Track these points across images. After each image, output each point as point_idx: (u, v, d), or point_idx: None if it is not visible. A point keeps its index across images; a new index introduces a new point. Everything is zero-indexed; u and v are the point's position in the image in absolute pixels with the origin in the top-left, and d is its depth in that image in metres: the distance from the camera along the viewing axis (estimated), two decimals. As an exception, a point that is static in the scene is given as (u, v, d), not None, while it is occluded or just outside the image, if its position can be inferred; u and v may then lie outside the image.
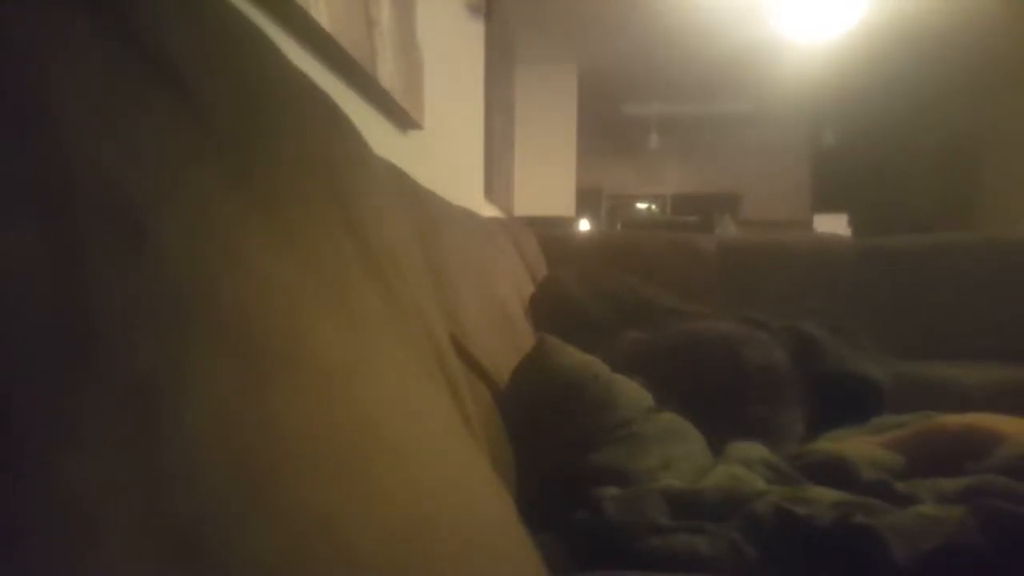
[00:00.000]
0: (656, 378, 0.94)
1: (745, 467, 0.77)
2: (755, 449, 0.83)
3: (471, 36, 2.52)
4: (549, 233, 2.03)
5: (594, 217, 7.61)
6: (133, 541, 0.17)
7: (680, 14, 4.16)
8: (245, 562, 0.20)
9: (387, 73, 1.24)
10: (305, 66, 0.46)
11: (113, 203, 0.22)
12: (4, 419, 0.16)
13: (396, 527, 0.27)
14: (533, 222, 2.20)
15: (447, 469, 0.36)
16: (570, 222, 4.98)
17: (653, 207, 8.63)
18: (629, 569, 0.61)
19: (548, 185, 5.16)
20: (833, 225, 5.20)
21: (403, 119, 1.45)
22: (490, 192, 3.11)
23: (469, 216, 1.26)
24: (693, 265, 1.98)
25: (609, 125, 7.07)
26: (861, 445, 0.89)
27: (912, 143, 6.24)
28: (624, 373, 0.90)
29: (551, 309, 1.43)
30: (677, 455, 0.80)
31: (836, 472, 0.76)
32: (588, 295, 1.47)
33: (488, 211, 2.85)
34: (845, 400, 1.12)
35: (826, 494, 0.67)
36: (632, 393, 0.87)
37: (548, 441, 0.82)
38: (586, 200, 6.87)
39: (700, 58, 4.93)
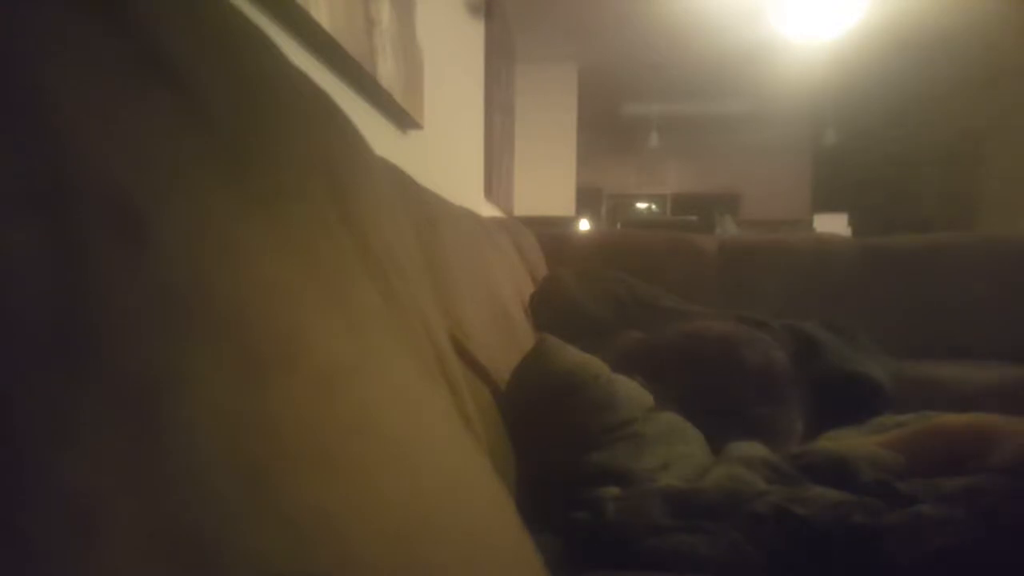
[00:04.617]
0: (656, 378, 0.94)
1: (745, 467, 0.77)
2: (755, 449, 0.83)
3: (471, 36, 2.52)
4: (549, 233, 2.03)
5: (594, 217, 7.61)
6: (132, 541, 0.17)
7: (680, 14, 4.16)
8: (244, 561, 0.20)
9: (387, 73, 1.24)
10: (305, 66, 0.46)
11: (113, 203, 0.22)
12: (4, 419, 0.16)
13: (395, 527, 0.27)
14: (533, 222, 2.20)
15: (447, 469, 0.36)
16: (570, 222, 4.98)
17: (653, 207, 8.64)
18: (629, 569, 0.61)
19: (548, 185, 5.16)
20: (833, 225, 5.20)
21: (403, 119, 1.45)
22: (490, 192, 3.11)
23: (469, 216, 1.26)
24: (693, 265, 1.98)
25: (609, 125, 7.08)
26: (861, 445, 0.89)
27: (912, 143, 6.24)
28: (624, 373, 0.89)
29: (551, 309, 1.43)
30: (677, 455, 0.80)
31: (836, 472, 0.75)
32: (588, 295, 1.47)
33: (488, 211, 2.85)
34: (845, 400, 1.12)
35: (826, 494, 0.67)
36: (632, 393, 0.87)
37: (548, 441, 0.81)
38: (586, 200, 6.88)
39: (700, 58, 4.93)
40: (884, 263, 1.91)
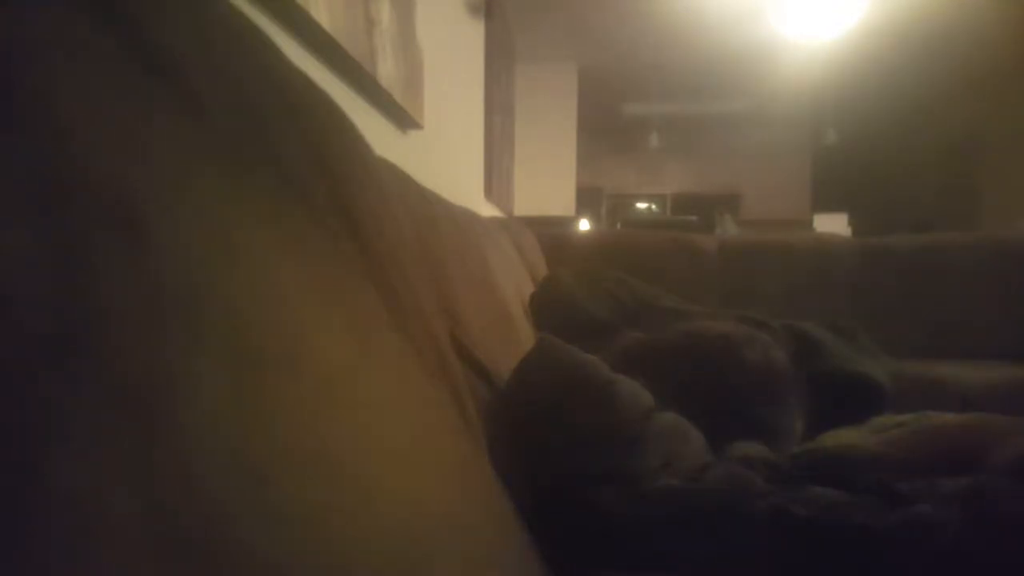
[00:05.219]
0: (656, 378, 0.93)
1: (745, 467, 0.77)
2: (755, 449, 0.83)
3: (471, 36, 2.52)
4: (549, 233, 2.03)
5: (594, 217, 7.61)
6: (131, 541, 0.17)
7: (680, 14, 4.16)
8: (242, 562, 0.20)
9: (387, 73, 1.24)
10: (305, 66, 0.45)
11: (113, 203, 0.22)
12: (4, 419, 0.16)
13: (394, 527, 0.27)
14: (533, 222, 2.20)
15: (446, 469, 0.36)
16: (570, 222, 4.98)
17: (653, 207, 8.63)
18: (629, 569, 0.61)
19: (548, 185, 5.16)
20: (833, 225, 5.20)
21: (403, 119, 1.45)
22: (490, 192, 3.11)
23: (469, 216, 1.26)
24: (693, 265, 1.98)
25: (609, 125, 7.07)
26: (861, 445, 0.89)
27: (912, 142, 6.24)
28: (624, 373, 0.89)
29: (551, 309, 1.43)
30: (677, 455, 0.80)
31: (836, 472, 0.75)
32: (588, 295, 1.47)
33: (488, 211, 2.85)
34: (845, 400, 1.12)
35: (826, 494, 0.67)
36: (632, 393, 0.87)
37: (547, 441, 0.81)
38: (586, 200, 6.87)
39: (700, 58, 4.93)
40: (884, 263, 1.91)
